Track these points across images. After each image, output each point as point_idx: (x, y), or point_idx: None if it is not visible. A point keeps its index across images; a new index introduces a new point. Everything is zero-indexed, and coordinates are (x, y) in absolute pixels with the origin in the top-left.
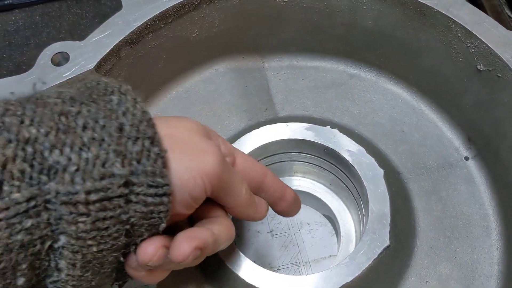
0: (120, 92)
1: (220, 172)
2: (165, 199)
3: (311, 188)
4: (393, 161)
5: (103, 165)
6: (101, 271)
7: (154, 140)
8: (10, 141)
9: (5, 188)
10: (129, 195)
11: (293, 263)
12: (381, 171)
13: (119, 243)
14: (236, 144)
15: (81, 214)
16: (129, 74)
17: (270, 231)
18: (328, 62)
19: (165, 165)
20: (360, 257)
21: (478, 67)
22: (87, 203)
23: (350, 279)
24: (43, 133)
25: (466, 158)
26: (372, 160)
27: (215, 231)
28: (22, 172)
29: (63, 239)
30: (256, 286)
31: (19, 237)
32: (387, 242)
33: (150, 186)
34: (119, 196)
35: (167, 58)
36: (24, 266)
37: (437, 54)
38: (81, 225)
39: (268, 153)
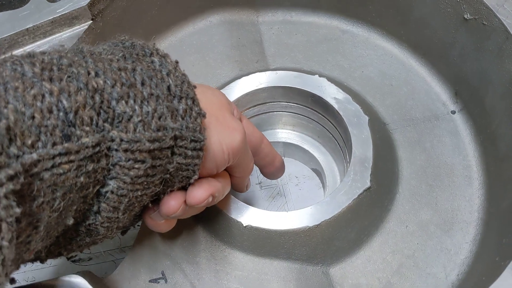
0: (159, 55)
1: (242, 149)
2: (200, 153)
3: (300, 141)
4: (380, 113)
5: (159, 118)
6: (132, 213)
7: (194, 100)
8: (80, 89)
9: (77, 132)
10: (173, 147)
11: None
12: (366, 118)
13: (157, 189)
14: (225, 90)
15: (138, 161)
16: (122, 17)
17: (259, 183)
18: (322, 18)
19: (202, 122)
20: (340, 197)
21: (465, 16)
22: (146, 151)
23: (329, 216)
24: (110, 85)
25: (453, 112)
26: (358, 107)
27: (222, 183)
28: (91, 118)
29: (112, 184)
30: (237, 219)
31: (81, 179)
32: (367, 184)
33: (192, 140)
34: (168, 148)
35: (161, 5)
36: (75, 207)
37: (426, 6)
38: (135, 171)
39: (258, 101)
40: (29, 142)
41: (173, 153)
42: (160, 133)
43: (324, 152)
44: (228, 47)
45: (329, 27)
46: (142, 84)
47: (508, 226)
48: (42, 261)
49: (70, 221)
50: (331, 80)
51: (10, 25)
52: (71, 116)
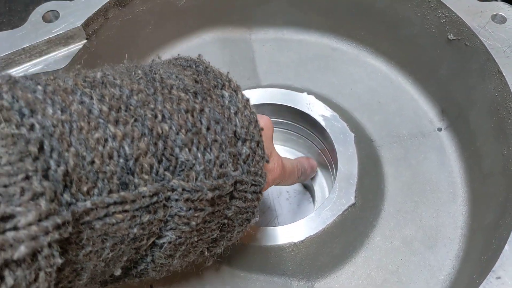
0: (231, 88)
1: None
2: (260, 195)
3: (290, 156)
4: (367, 129)
5: (221, 165)
6: (185, 259)
7: (259, 143)
8: (144, 135)
9: (135, 180)
10: (233, 191)
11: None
12: (352, 135)
13: (214, 234)
14: None
15: (199, 210)
16: (117, 36)
17: None
18: (313, 36)
19: (263, 166)
20: (325, 213)
21: (449, 36)
22: (205, 199)
23: (314, 232)
24: (175, 131)
25: (439, 129)
26: (344, 124)
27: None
28: (151, 166)
29: (170, 235)
30: None
31: (135, 230)
32: (352, 200)
33: (252, 184)
34: (227, 194)
35: (155, 24)
36: (125, 258)
37: (412, 26)
38: (195, 219)
39: None
40: (85, 188)
41: (232, 198)
42: (220, 181)
43: None
44: (220, 64)
45: (319, 44)
46: (208, 129)
47: (489, 243)
48: None
49: (118, 272)
50: (319, 97)
51: (8, 45)
52: (131, 163)
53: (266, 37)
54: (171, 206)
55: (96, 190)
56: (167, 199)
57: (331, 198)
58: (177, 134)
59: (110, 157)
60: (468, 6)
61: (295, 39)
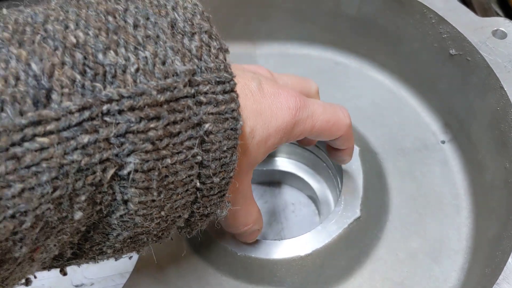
0: None
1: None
2: (233, 94)
3: (296, 169)
4: (371, 142)
5: (163, 63)
6: (172, 197)
7: (212, 34)
8: (56, 49)
9: (54, 96)
10: (197, 95)
11: (275, 239)
12: (357, 148)
13: (193, 154)
14: None
15: (152, 119)
16: None
17: None
18: (316, 50)
19: (226, 59)
20: (331, 226)
21: (451, 51)
22: (156, 104)
23: (320, 245)
24: (93, 35)
25: (442, 142)
26: None
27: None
28: (73, 80)
29: (132, 160)
30: (232, 249)
31: (75, 156)
32: (357, 213)
33: (218, 82)
34: (186, 97)
35: None
36: (83, 198)
37: (414, 41)
38: (153, 132)
39: None
40: None
41: (199, 103)
42: (169, 80)
43: (319, 180)
44: None
45: (323, 59)
46: (135, 26)
47: (493, 256)
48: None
49: (78, 215)
50: None
51: None
52: (43, 80)
53: (271, 52)
54: (118, 123)
55: (3, 115)
56: (106, 113)
57: (337, 211)
58: (97, 37)
59: (17, 78)
60: (469, 22)
61: (299, 53)
